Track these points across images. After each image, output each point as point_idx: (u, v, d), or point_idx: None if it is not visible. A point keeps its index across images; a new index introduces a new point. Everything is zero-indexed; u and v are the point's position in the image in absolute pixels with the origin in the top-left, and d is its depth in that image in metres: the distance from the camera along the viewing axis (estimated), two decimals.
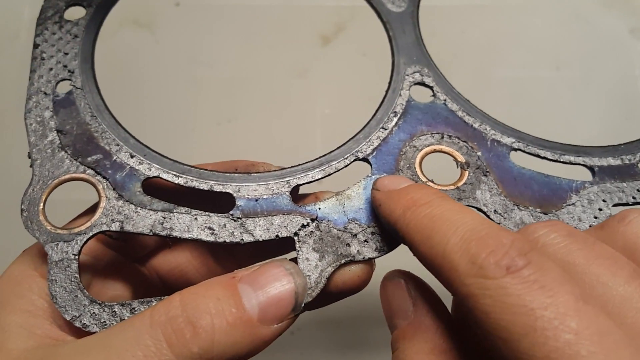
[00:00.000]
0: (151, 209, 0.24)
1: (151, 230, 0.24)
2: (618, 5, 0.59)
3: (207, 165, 0.27)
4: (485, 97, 0.57)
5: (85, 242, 0.24)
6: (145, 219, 0.24)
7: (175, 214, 0.24)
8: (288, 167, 0.26)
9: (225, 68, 0.58)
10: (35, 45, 0.28)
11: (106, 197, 0.25)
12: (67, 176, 0.25)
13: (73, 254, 0.23)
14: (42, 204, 0.25)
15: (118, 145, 0.26)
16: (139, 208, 0.24)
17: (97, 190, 0.25)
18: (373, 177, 0.26)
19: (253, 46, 0.58)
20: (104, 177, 0.25)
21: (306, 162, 0.27)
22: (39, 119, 0.26)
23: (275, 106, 0.55)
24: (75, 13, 0.30)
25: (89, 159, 0.25)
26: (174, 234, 0.24)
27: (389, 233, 0.24)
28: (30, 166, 0.25)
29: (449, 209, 0.19)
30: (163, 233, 0.24)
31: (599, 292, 0.16)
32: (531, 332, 0.14)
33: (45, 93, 0.27)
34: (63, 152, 0.25)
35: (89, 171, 0.25)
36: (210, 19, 0.59)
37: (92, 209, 0.26)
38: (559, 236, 0.18)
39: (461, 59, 0.57)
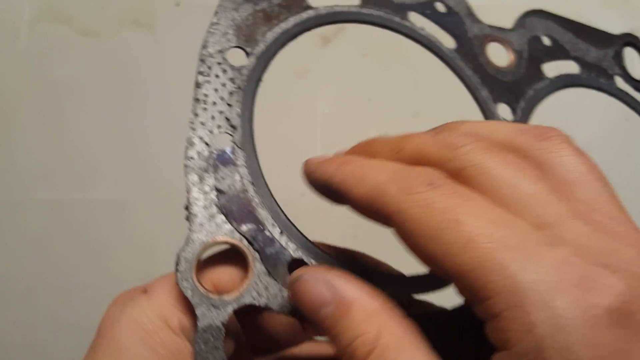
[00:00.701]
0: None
1: (291, 312, 0.23)
2: (618, 5, 0.59)
3: (331, 249, 0.27)
4: None
5: (233, 313, 0.23)
6: (286, 298, 0.23)
7: None
8: (408, 276, 0.26)
9: None
10: (198, 85, 0.26)
11: (256, 270, 0.24)
12: (222, 239, 0.24)
13: (221, 322, 0.23)
14: (196, 263, 0.23)
15: (270, 218, 0.25)
16: (282, 287, 0.24)
17: (247, 262, 0.24)
18: None
19: None
20: (256, 249, 0.24)
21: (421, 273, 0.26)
22: (198, 171, 0.25)
23: (275, 106, 0.56)
24: (237, 58, 0.28)
25: (244, 227, 0.24)
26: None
27: None
28: (186, 219, 0.24)
29: (378, 160, 0.21)
30: (297, 316, 0.24)
31: (507, 192, 0.18)
32: (453, 225, 0.17)
33: (206, 144, 0.26)
34: (220, 214, 0.24)
35: (242, 239, 0.24)
36: (210, 18, 0.59)
37: (224, 259, 0.25)
38: (477, 148, 0.20)
39: None
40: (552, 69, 0.35)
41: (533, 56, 0.34)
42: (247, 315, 0.27)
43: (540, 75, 0.34)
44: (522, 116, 0.32)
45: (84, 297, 0.52)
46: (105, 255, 0.53)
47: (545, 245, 0.16)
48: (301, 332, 0.30)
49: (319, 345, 0.30)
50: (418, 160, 0.20)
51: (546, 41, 0.35)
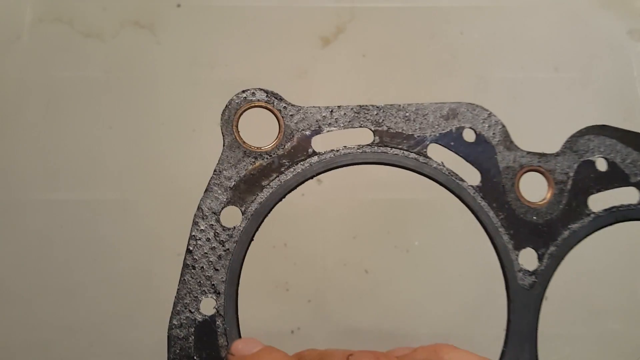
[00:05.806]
0: None
1: None
2: (616, 6, 0.59)
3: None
4: (484, 98, 0.57)
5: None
6: None
7: None
8: None
9: (226, 69, 0.58)
10: (189, 251, 0.28)
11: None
12: None
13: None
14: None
15: None
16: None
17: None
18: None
19: (254, 47, 0.59)
20: None
21: None
22: (180, 338, 0.27)
23: None
24: (231, 217, 0.29)
25: None
26: None
27: None
28: None
29: None
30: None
31: None
32: None
33: (190, 311, 0.27)
34: None
35: None
36: (211, 20, 0.60)
37: None
38: None
39: (460, 59, 0.58)
40: (601, 200, 0.30)
41: (579, 187, 0.29)
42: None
43: (583, 210, 0.29)
44: (549, 263, 0.28)
45: (84, 297, 0.52)
46: (106, 255, 0.53)
47: None
48: None
49: None
50: None
51: (601, 166, 0.30)
